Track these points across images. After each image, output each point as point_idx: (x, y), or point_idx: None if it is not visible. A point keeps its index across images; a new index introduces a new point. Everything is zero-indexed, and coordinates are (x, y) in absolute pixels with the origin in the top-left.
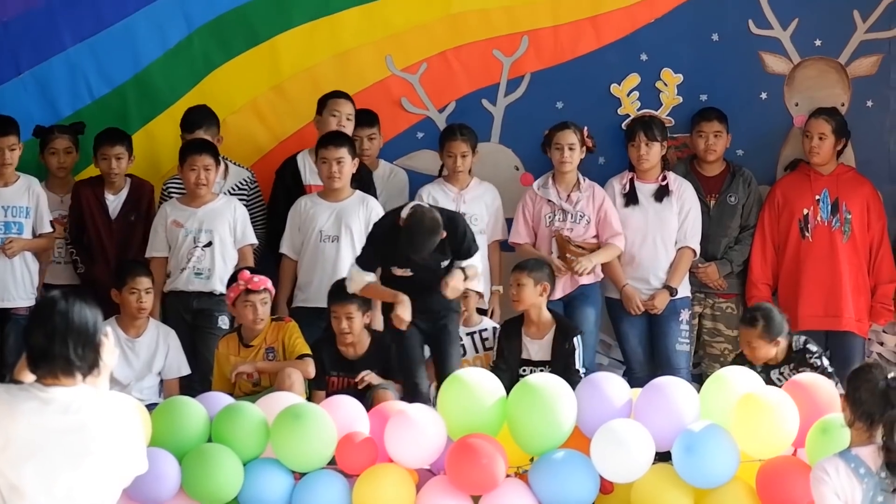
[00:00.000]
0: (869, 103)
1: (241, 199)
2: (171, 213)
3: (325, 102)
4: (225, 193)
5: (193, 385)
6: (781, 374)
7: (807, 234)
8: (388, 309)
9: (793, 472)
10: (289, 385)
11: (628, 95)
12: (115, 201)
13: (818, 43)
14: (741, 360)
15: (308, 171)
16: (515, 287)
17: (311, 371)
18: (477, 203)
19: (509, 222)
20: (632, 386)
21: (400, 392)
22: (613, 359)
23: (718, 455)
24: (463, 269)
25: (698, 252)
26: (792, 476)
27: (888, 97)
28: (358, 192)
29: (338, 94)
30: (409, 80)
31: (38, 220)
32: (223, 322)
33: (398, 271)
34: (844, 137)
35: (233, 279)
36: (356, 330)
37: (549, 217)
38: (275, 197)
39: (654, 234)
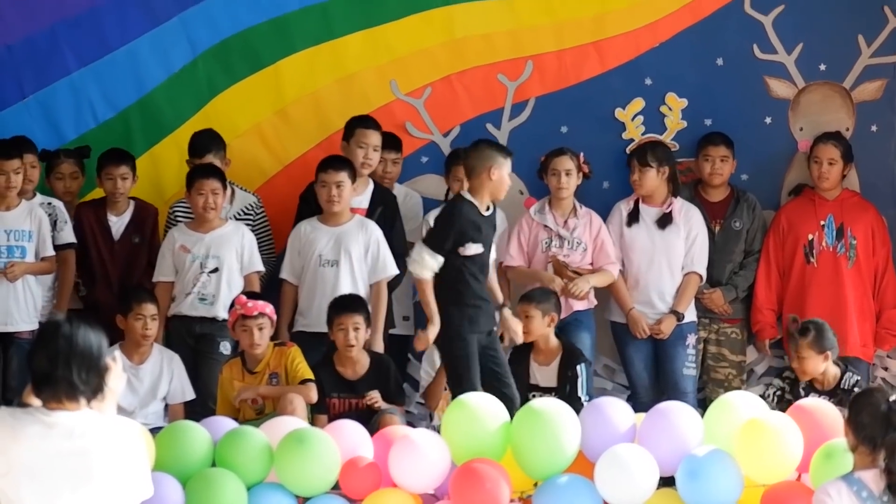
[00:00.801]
0: (873, 128)
1: (247, 224)
2: (178, 237)
3: (353, 130)
4: (231, 218)
5: (196, 409)
6: None
7: (811, 259)
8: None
9: (797, 497)
10: (290, 410)
11: (633, 120)
12: (118, 223)
13: (823, 67)
14: (791, 381)
15: None
16: (524, 319)
17: (314, 396)
18: None
19: None
20: (636, 411)
21: (404, 416)
22: (617, 383)
23: (722, 480)
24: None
25: (705, 277)
26: (796, 501)
27: (892, 122)
28: (357, 216)
29: (366, 124)
30: (414, 105)
31: (41, 243)
32: (225, 348)
33: (472, 249)
34: (849, 162)
35: (233, 304)
36: (360, 343)
37: (546, 242)
38: (300, 220)
39: (660, 258)
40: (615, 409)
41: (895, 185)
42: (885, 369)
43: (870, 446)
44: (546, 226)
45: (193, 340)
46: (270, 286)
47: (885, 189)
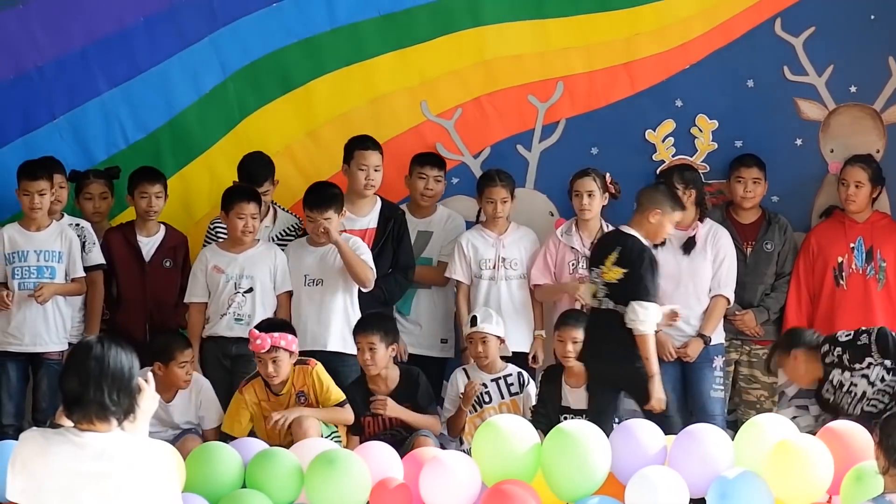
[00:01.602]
0: None
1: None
2: (211, 258)
3: (353, 152)
4: (273, 238)
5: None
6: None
7: (841, 281)
8: None
9: None
10: (303, 433)
11: (663, 141)
12: (148, 244)
13: (853, 89)
14: None
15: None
16: (570, 344)
17: (350, 417)
18: (515, 247)
19: None
20: (666, 433)
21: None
22: None
23: (753, 502)
24: None
25: (732, 300)
26: None
27: None
28: (344, 234)
29: (364, 145)
30: (444, 126)
31: (71, 264)
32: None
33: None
34: (880, 185)
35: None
36: (379, 362)
37: (573, 264)
38: None
39: (686, 282)
40: (645, 431)
41: None
42: None
43: None
44: (573, 247)
45: (229, 361)
46: None
47: None
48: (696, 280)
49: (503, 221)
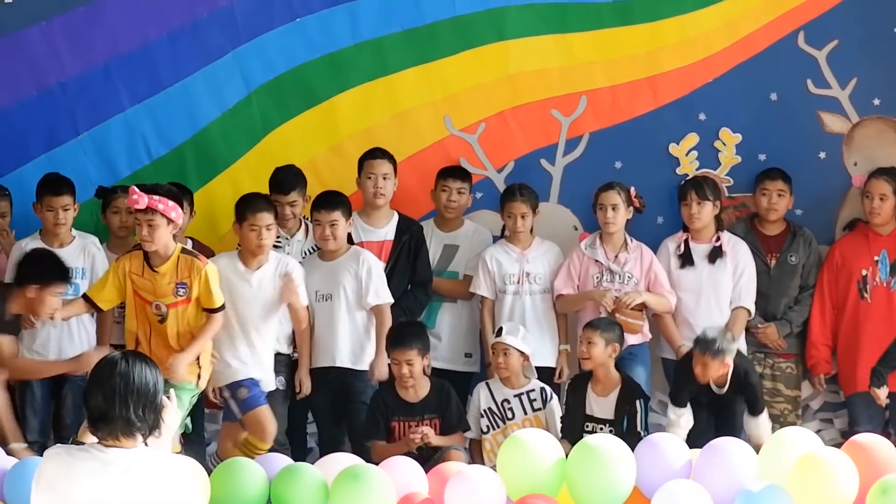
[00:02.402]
0: None
1: None
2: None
3: (362, 164)
4: (306, 253)
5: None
6: None
7: (865, 294)
8: None
9: None
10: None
11: (687, 155)
12: None
13: (877, 102)
14: None
15: (361, 230)
16: (586, 345)
17: (216, 324)
18: (540, 262)
19: None
20: (690, 447)
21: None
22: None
23: None
24: None
25: (753, 312)
26: None
27: None
28: (353, 247)
29: (372, 154)
30: (468, 140)
31: (94, 279)
32: (280, 382)
33: None
34: None
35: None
36: (417, 377)
37: (597, 277)
38: None
39: (708, 295)
40: (670, 444)
41: None
42: None
43: None
44: (597, 260)
45: None
46: None
47: None
48: (717, 293)
49: (526, 236)
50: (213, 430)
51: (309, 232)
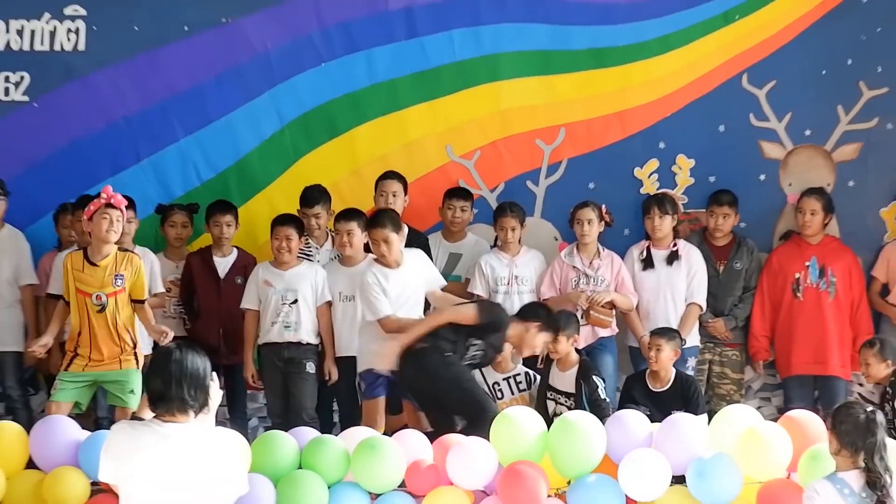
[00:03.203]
0: (851, 183)
1: None
2: (262, 273)
3: (377, 184)
4: (333, 259)
5: (290, 419)
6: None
7: (798, 294)
8: None
9: (787, 492)
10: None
11: (649, 177)
12: (223, 263)
13: (808, 133)
14: None
15: None
16: (551, 343)
17: (150, 313)
18: (527, 267)
19: None
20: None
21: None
22: None
23: (725, 478)
24: None
25: (704, 307)
26: (787, 496)
27: (867, 179)
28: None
29: (384, 175)
30: (466, 166)
31: (152, 282)
32: (310, 367)
33: None
34: (830, 213)
35: (97, 197)
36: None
37: (575, 281)
38: None
39: (665, 293)
40: (635, 420)
41: (868, 231)
42: (861, 385)
43: (851, 450)
44: (575, 267)
45: (283, 363)
46: None
47: (860, 235)
48: (673, 291)
49: (515, 245)
50: (253, 407)
51: (335, 243)
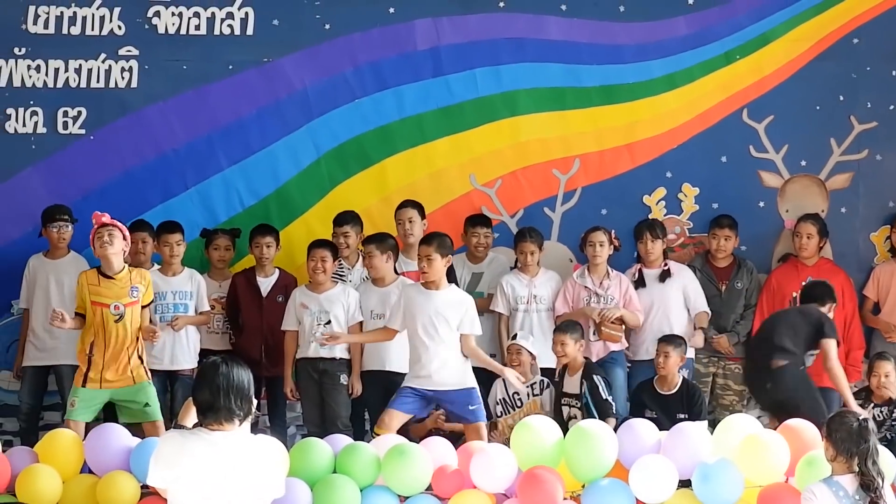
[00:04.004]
0: (843, 210)
1: None
2: (299, 297)
3: (396, 212)
4: (363, 280)
5: (326, 427)
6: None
7: None
8: None
9: (786, 495)
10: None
11: (657, 204)
12: (265, 283)
13: (803, 163)
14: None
15: (402, 262)
16: (560, 346)
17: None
18: (544, 287)
19: None
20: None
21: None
22: None
23: (728, 482)
24: None
25: (709, 311)
26: (785, 499)
27: (857, 205)
28: (400, 277)
29: (402, 205)
30: (488, 193)
31: (199, 301)
32: (343, 379)
33: None
34: (825, 237)
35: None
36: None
37: (587, 300)
38: None
39: (657, 309)
40: (645, 428)
41: (859, 254)
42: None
43: (846, 456)
44: (586, 287)
45: (318, 376)
46: None
47: (852, 257)
48: (665, 307)
49: (534, 267)
50: (291, 416)
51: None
